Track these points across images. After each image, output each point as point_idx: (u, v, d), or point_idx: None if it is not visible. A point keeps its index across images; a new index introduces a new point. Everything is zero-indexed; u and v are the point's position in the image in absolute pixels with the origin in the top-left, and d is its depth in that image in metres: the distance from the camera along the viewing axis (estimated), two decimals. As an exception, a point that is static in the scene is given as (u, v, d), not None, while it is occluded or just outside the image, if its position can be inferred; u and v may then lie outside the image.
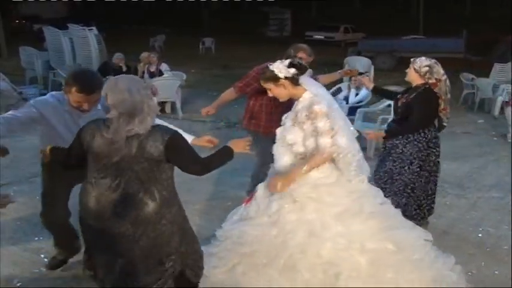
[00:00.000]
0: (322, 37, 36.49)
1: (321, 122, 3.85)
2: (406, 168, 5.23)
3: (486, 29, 27.94)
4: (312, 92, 3.97)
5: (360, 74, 10.64)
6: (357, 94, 9.86)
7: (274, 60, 4.11)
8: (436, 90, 5.11)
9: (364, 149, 8.39)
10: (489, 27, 28.35)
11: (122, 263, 3.28)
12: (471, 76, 13.84)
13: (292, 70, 3.93)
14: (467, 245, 5.34)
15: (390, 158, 5.34)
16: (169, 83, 11.96)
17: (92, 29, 15.73)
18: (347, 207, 3.94)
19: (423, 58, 5.22)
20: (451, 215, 6.17)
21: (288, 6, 44.85)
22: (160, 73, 12.45)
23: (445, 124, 5.30)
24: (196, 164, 3.35)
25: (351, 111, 9.10)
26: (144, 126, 3.13)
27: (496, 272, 4.79)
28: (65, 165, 3.60)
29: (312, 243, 3.84)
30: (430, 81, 5.10)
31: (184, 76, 13.45)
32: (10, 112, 3.95)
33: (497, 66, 14.48)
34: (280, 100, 4.11)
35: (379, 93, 6.20)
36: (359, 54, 20.14)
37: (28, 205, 6.05)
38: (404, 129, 5.26)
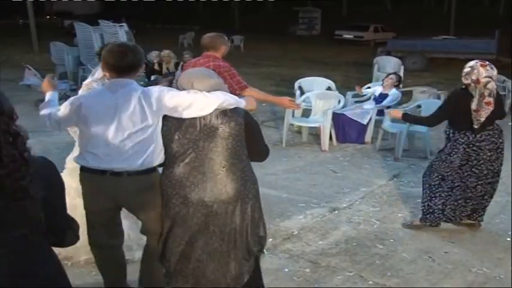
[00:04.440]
0: (351, 36, 36.39)
1: None
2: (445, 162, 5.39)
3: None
4: None
5: (390, 74, 10.59)
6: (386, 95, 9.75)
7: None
8: (470, 90, 5.10)
9: (392, 149, 8.38)
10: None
11: None
12: (503, 78, 13.63)
13: None
14: (496, 249, 5.26)
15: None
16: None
17: (122, 26, 15.85)
18: None
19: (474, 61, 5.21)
20: (479, 218, 6.08)
21: (319, 5, 44.80)
22: (190, 70, 12.42)
23: (475, 126, 5.24)
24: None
25: (380, 112, 9.03)
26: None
27: (525, 277, 4.72)
28: None
29: None
30: (466, 81, 5.10)
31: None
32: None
33: (530, 68, 14.24)
34: None
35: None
36: (389, 54, 19.87)
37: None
38: (420, 118, 5.49)
